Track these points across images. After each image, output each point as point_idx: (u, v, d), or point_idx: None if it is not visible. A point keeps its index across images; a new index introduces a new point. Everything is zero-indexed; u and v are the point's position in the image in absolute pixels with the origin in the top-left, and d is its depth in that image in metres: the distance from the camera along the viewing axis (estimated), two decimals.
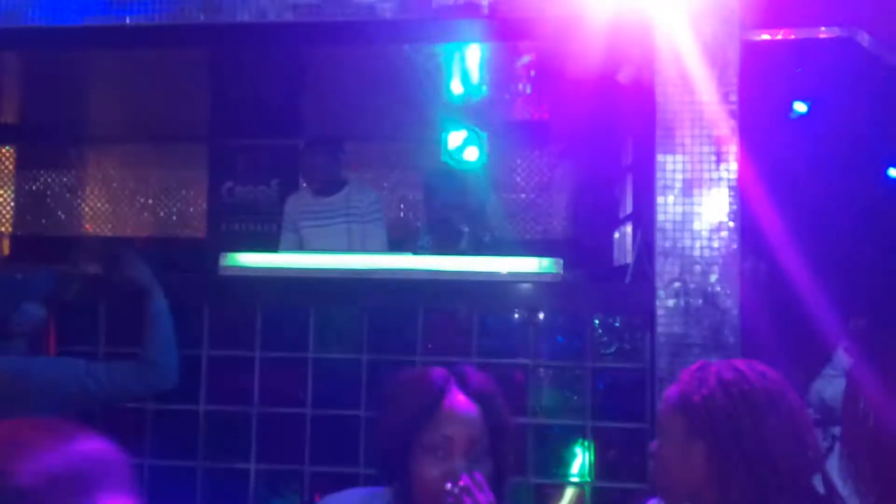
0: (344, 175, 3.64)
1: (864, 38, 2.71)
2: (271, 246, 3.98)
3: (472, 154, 3.97)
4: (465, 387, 1.27)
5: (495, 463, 1.25)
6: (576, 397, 2.29)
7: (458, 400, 1.25)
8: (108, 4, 2.47)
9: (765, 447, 1.07)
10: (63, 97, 3.85)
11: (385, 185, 4.55)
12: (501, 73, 3.27)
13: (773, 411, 1.09)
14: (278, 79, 3.54)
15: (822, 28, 2.57)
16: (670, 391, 1.20)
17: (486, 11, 2.34)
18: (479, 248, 3.36)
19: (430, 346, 2.40)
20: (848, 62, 2.76)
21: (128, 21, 2.46)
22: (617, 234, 3.97)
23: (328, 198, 3.48)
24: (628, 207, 3.69)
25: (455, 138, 3.98)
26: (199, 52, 3.17)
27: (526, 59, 3.08)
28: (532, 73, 3.24)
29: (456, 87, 3.40)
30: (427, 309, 2.41)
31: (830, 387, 2.62)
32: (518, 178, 4.49)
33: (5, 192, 4.73)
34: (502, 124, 4.07)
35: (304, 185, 3.66)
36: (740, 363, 1.17)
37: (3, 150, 4.74)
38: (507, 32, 2.53)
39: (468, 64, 3.14)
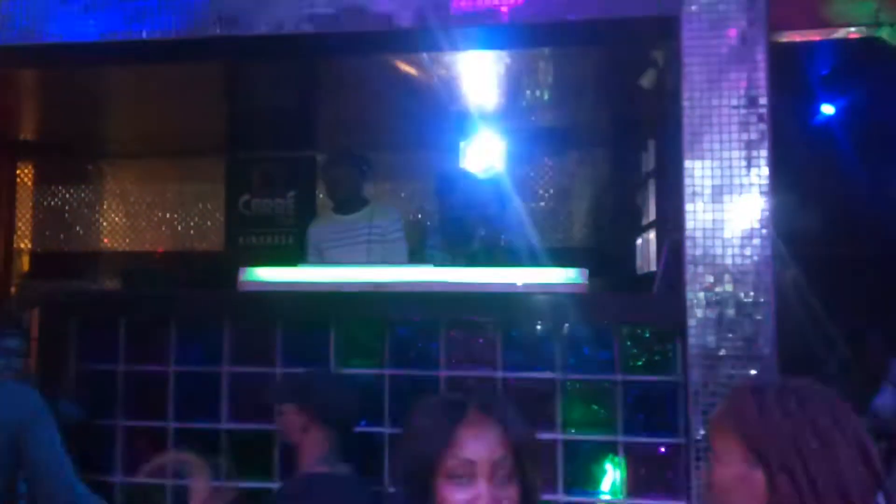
0: (366, 193, 3.59)
1: (890, 35, 2.63)
2: (288, 258, 3.96)
3: (490, 162, 3.94)
4: (484, 408, 1.24)
5: (521, 484, 1.21)
6: (605, 411, 2.23)
7: (479, 422, 1.22)
8: (124, 19, 2.46)
9: (835, 474, 1.01)
10: (80, 113, 3.86)
11: (402, 195, 4.52)
12: (521, 79, 3.22)
13: (839, 435, 1.03)
14: (294, 91, 3.53)
15: (851, 28, 2.49)
16: (720, 413, 1.14)
17: (506, 18, 2.30)
18: (492, 252, 3.30)
19: (453, 359, 2.35)
20: (874, 63, 2.69)
21: (144, 35, 2.45)
22: (639, 241, 3.91)
23: (350, 216, 3.42)
24: (651, 214, 3.63)
25: (474, 146, 3.95)
26: (215, 65, 3.16)
27: (545, 65, 3.03)
28: (552, 79, 3.19)
29: (475, 95, 3.36)
30: (449, 322, 2.36)
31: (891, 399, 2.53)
32: (537, 186, 4.44)
33: (25, 208, 4.75)
34: (522, 131, 4.02)
35: (325, 198, 3.60)
36: (796, 382, 1.11)
37: (23, 167, 4.76)
38: (527, 39, 2.49)
39: (487, 71, 3.10)
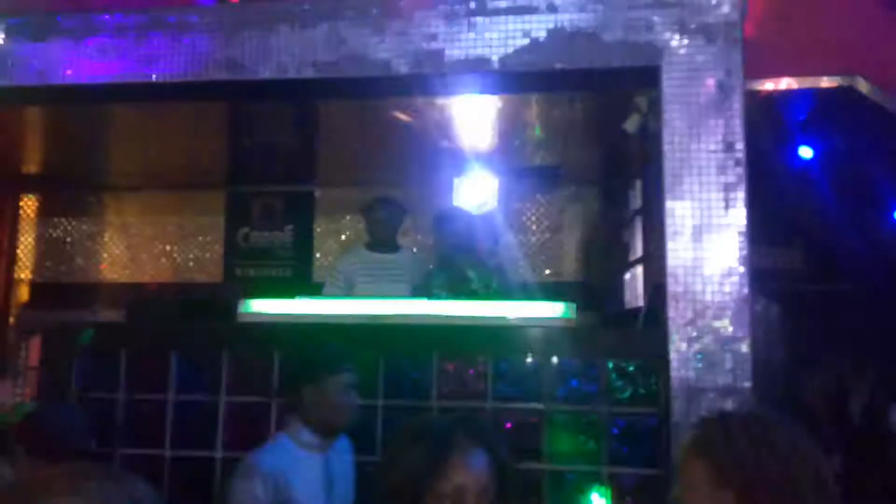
0: (400, 239, 3.80)
1: (863, 86, 2.78)
2: (287, 291, 4.03)
3: (483, 199, 4.05)
4: (471, 434, 1.26)
5: None
6: (591, 442, 2.30)
7: (467, 448, 1.23)
8: (135, 62, 2.58)
9: (796, 499, 1.10)
10: (84, 147, 3.97)
11: (399, 229, 4.61)
12: (512, 121, 3.36)
13: (798, 461, 1.12)
14: (294, 129, 3.65)
15: (824, 77, 2.64)
16: (690, 441, 1.22)
17: (496, 66, 2.43)
18: (491, 290, 3.41)
19: (445, 390, 2.42)
20: (850, 109, 2.83)
21: (154, 78, 2.57)
22: (627, 277, 4.00)
23: (385, 255, 3.59)
24: (638, 251, 3.74)
25: (467, 184, 4.07)
26: (219, 104, 3.28)
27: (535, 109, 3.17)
28: (541, 121, 3.33)
29: (468, 135, 3.49)
30: (442, 354, 2.44)
31: None
32: (528, 222, 4.55)
33: (27, 239, 4.83)
34: (513, 170, 4.15)
35: (359, 243, 3.85)
36: (762, 412, 1.20)
37: (26, 199, 4.86)
38: (517, 86, 2.62)
39: (480, 114, 3.23)
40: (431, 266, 3.63)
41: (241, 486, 1.91)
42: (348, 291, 3.53)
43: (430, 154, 3.75)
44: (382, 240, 3.65)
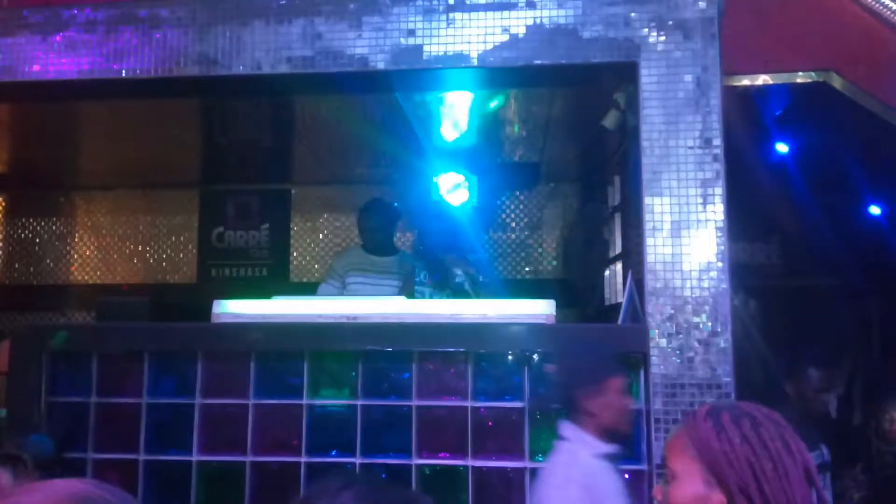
0: (396, 242, 3.77)
1: (837, 82, 2.81)
2: (262, 290, 3.98)
3: (462, 196, 4.03)
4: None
5: None
6: None
7: None
8: (104, 58, 2.52)
9: (786, 494, 1.09)
10: (53, 146, 3.87)
11: None
12: (490, 118, 3.34)
13: (788, 457, 1.11)
14: (268, 124, 3.60)
15: (799, 73, 2.66)
16: (678, 435, 1.20)
17: (475, 62, 2.41)
18: (474, 287, 3.42)
19: (424, 389, 2.40)
20: (825, 105, 2.86)
21: (124, 74, 2.51)
22: (607, 273, 4.01)
23: (380, 258, 3.56)
24: (618, 247, 3.74)
25: (446, 181, 4.05)
26: (191, 101, 3.22)
27: (513, 105, 3.15)
28: (520, 117, 3.32)
29: (446, 132, 3.47)
30: (421, 352, 2.42)
31: None
32: (508, 219, 4.55)
33: None
34: (492, 166, 4.13)
35: (356, 245, 3.80)
36: (748, 407, 1.19)
37: None
38: (495, 81, 2.60)
39: (458, 110, 3.21)
40: (413, 265, 3.62)
41: (559, 496, 1.83)
42: (343, 292, 3.52)
43: (409, 151, 3.72)
44: (375, 246, 3.62)
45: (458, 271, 3.34)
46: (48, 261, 4.68)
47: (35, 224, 4.75)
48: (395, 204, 3.81)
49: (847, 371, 3.23)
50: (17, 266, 4.69)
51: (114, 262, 4.66)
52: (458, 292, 3.34)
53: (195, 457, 2.44)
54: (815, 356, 2.49)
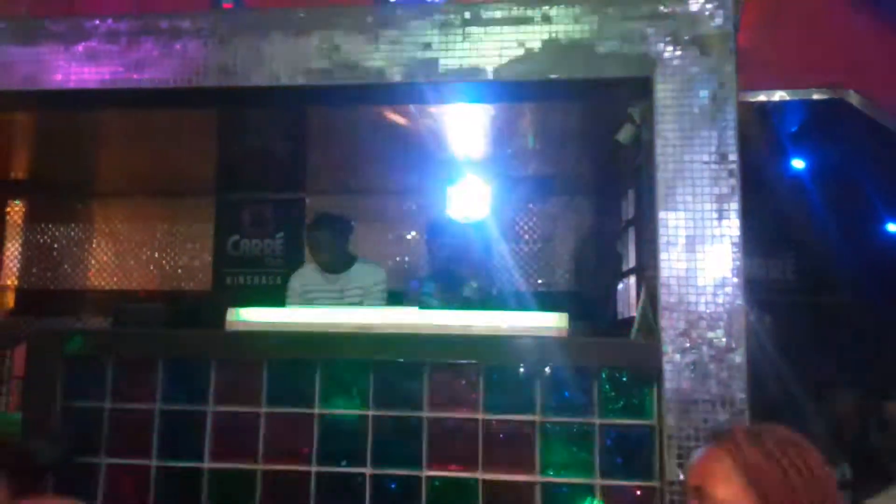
0: (353, 252, 3.63)
1: (853, 98, 2.79)
2: (277, 299, 4.01)
3: (475, 208, 4.04)
4: None
5: None
6: (584, 454, 2.28)
7: None
8: (125, 68, 2.55)
9: None
10: (72, 153, 3.93)
11: (390, 237, 4.60)
12: (505, 130, 3.35)
13: (827, 480, 1.13)
14: (284, 134, 3.63)
15: (815, 89, 2.65)
16: (719, 461, 1.17)
17: (490, 75, 2.43)
18: (483, 298, 3.39)
19: (436, 401, 2.40)
20: (841, 121, 2.85)
21: (144, 84, 2.54)
22: (620, 287, 3.99)
23: (335, 275, 3.47)
24: (631, 261, 3.73)
25: (459, 192, 4.06)
26: (208, 110, 3.26)
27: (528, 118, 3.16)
28: (535, 130, 3.33)
29: (461, 144, 3.48)
30: (433, 364, 2.42)
31: None
32: (521, 232, 4.55)
33: (13, 245, 4.78)
34: (506, 178, 4.14)
35: (310, 261, 3.61)
36: (781, 430, 1.19)
37: (13, 205, 4.81)
38: (510, 95, 2.62)
39: (473, 122, 3.22)
40: (422, 274, 3.60)
41: None
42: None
43: (423, 163, 3.74)
44: (329, 263, 3.49)
45: (471, 283, 3.33)
46: (66, 266, 4.74)
47: (54, 230, 4.81)
48: (344, 216, 3.64)
49: (863, 390, 3.19)
50: (35, 271, 4.75)
51: (130, 268, 4.71)
52: (468, 304, 3.32)
53: (206, 464, 2.45)
54: (853, 379, 2.46)
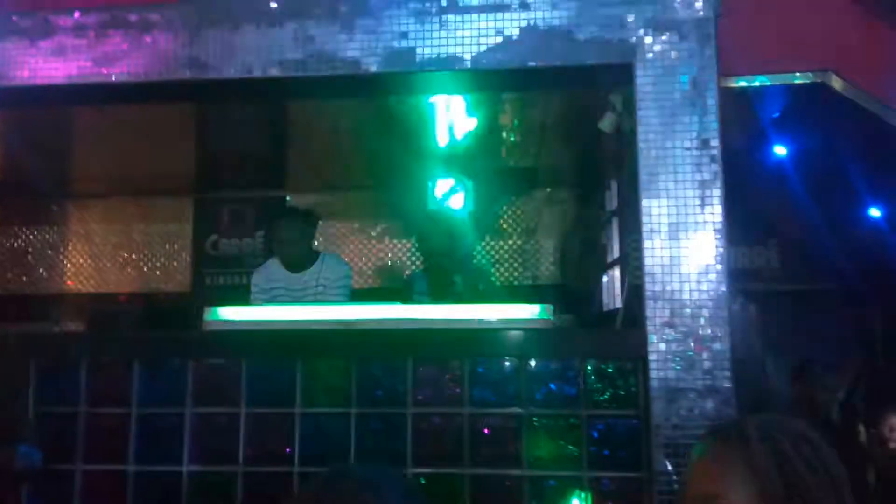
0: (315, 248, 3.53)
1: (836, 83, 2.77)
2: None
3: (458, 202, 4.00)
4: None
5: None
6: (571, 447, 2.25)
7: None
8: (94, 62, 2.48)
9: None
10: (45, 153, 3.85)
11: (373, 234, 4.55)
12: (486, 122, 3.31)
13: (841, 476, 1.10)
14: (263, 132, 3.57)
15: (797, 74, 2.63)
16: (728, 462, 1.11)
17: (468, 64, 2.38)
18: (474, 295, 3.35)
19: (420, 397, 2.36)
20: (824, 106, 2.83)
21: (113, 78, 2.47)
22: (605, 278, 3.98)
23: (298, 273, 3.38)
24: (615, 252, 3.71)
25: (442, 186, 4.02)
26: (183, 106, 3.20)
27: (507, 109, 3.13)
28: (516, 121, 3.29)
29: (441, 137, 3.44)
30: (417, 359, 2.37)
31: None
32: (505, 225, 4.52)
33: None
34: (488, 171, 4.11)
35: (274, 258, 3.46)
36: (795, 423, 1.15)
37: None
38: (489, 84, 2.58)
39: (453, 114, 3.18)
40: (414, 270, 3.55)
41: None
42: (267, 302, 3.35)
43: (403, 156, 3.69)
44: (293, 261, 3.37)
45: (457, 278, 3.29)
46: (41, 269, 4.65)
47: (28, 232, 4.71)
48: (309, 210, 3.50)
49: (850, 376, 3.19)
50: (9, 275, 4.66)
51: (107, 270, 4.62)
52: (457, 300, 3.28)
53: (185, 467, 2.39)
54: (823, 355, 2.45)
